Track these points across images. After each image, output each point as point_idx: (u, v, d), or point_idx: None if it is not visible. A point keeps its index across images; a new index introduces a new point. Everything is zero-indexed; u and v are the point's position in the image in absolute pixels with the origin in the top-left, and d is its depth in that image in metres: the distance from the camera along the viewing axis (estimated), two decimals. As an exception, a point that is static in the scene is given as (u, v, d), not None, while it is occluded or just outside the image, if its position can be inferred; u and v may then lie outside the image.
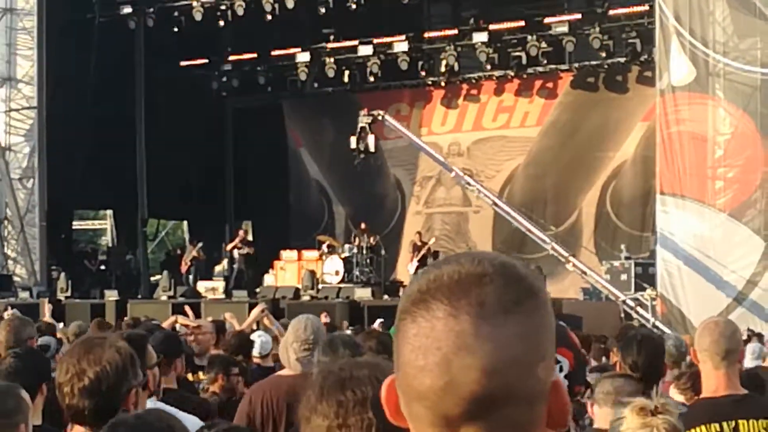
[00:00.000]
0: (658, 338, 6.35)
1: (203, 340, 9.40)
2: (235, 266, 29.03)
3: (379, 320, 17.00)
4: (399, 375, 1.53)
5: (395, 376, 1.54)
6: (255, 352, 9.85)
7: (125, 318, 16.11)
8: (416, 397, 1.50)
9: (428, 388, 1.48)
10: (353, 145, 26.28)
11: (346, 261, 26.98)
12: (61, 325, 14.30)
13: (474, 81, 31.09)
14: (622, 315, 20.87)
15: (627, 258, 23.56)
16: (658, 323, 19.98)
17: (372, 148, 26.41)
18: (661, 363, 5.78)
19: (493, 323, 1.47)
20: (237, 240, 28.96)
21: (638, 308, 20.92)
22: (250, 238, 29.47)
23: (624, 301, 21.14)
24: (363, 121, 26.19)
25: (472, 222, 31.23)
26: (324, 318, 16.31)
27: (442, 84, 31.48)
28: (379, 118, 26.16)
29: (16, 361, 5.42)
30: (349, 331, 13.88)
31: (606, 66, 28.72)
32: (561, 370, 5.94)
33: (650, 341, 5.81)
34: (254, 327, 11.37)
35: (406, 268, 28.26)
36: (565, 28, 27.95)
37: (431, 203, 32.10)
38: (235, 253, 28.99)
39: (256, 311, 11.27)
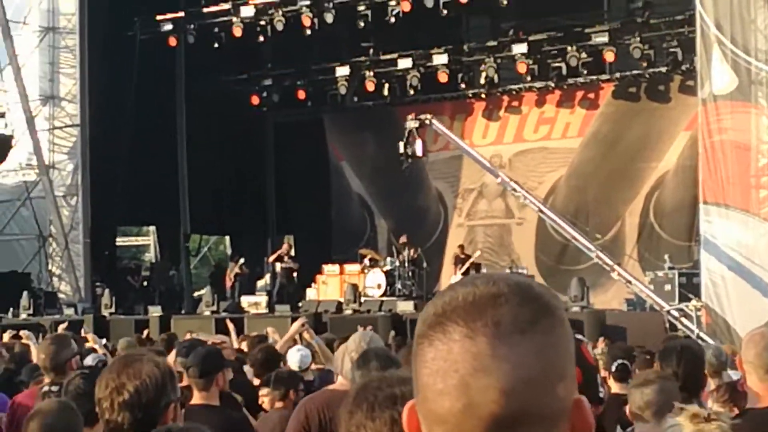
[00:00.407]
0: (698, 348, 6.28)
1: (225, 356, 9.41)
2: (277, 280, 29.07)
3: None
4: (419, 399, 1.53)
5: (415, 401, 1.54)
6: (294, 365, 9.82)
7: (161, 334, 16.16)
8: (436, 420, 1.50)
9: (447, 411, 1.48)
10: (401, 149, 26.09)
11: (388, 274, 26.97)
12: (104, 341, 14.34)
13: (515, 92, 30.96)
14: (667, 325, 20.67)
15: (671, 268, 23.36)
16: (702, 334, 19.79)
17: (419, 153, 26.20)
18: (701, 373, 5.72)
19: (509, 343, 1.48)
20: (279, 252, 29.00)
21: (683, 318, 20.73)
22: (293, 253, 29.49)
23: (668, 312, 20.94)
24: (410, 125, 26.03)
25: (515, 234, 31.08)
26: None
27: (483, 96, 31.36)
28: (427, 122, 25.99)
29: (84, 381, 5.36)
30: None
31: (647, 76, 28.51)
32: None
33: (690, 351, 5.75)
34: (296, 339, 11.36)
35: (449, 281, 28.08)
36: (605, 38, 27.78)
37: (473, 216, 31.98)
38: (278, 266, 29.04)
39: (296, 325, 11.24)
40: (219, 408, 6.59)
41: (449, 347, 1.49)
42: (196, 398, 6.55)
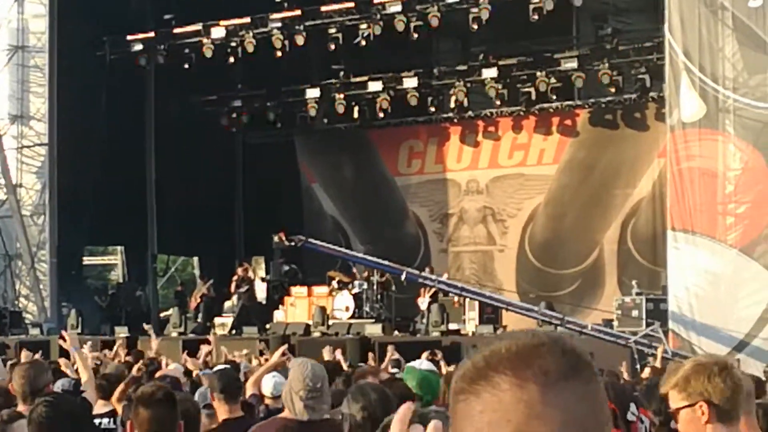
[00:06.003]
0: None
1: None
2: (240, 302, 28.64)
3: (426, 353, 15.77)
4: None
5: None
6: (267, 392, 9.37)
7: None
8: None
9: None
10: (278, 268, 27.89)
11: (357, 297, 26.88)
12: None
13: (488, 117, 30.95)
14: (636, 356, 20.59)
15: (638, 294, 23.42)
16: (678, 351, 19.77)
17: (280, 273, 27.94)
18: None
19: (557, 390, 1.52)
20: (234, 279, 28.71)
21: (653, 344, 20.72)
22: (251, 275, 29.26)
23: (635, 342, 20.89)
24: (278, 245, 26.45)
25: (497, 261, 31.07)
26: (336, 354, 16.10)
27: (455, 120, 31.37)
28: (299, 244, 26.08)
29: (47, 409, 5.12)
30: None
31: (619, 102, 28.60)
32: None
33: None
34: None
35: (419, 304, 27.87)
36: (574, 64, 27.88)
37: (456, 242, 31.82)
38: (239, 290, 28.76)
39: (277, 354, 9.93)
40: None
41: (499, 398, 1.50)
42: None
